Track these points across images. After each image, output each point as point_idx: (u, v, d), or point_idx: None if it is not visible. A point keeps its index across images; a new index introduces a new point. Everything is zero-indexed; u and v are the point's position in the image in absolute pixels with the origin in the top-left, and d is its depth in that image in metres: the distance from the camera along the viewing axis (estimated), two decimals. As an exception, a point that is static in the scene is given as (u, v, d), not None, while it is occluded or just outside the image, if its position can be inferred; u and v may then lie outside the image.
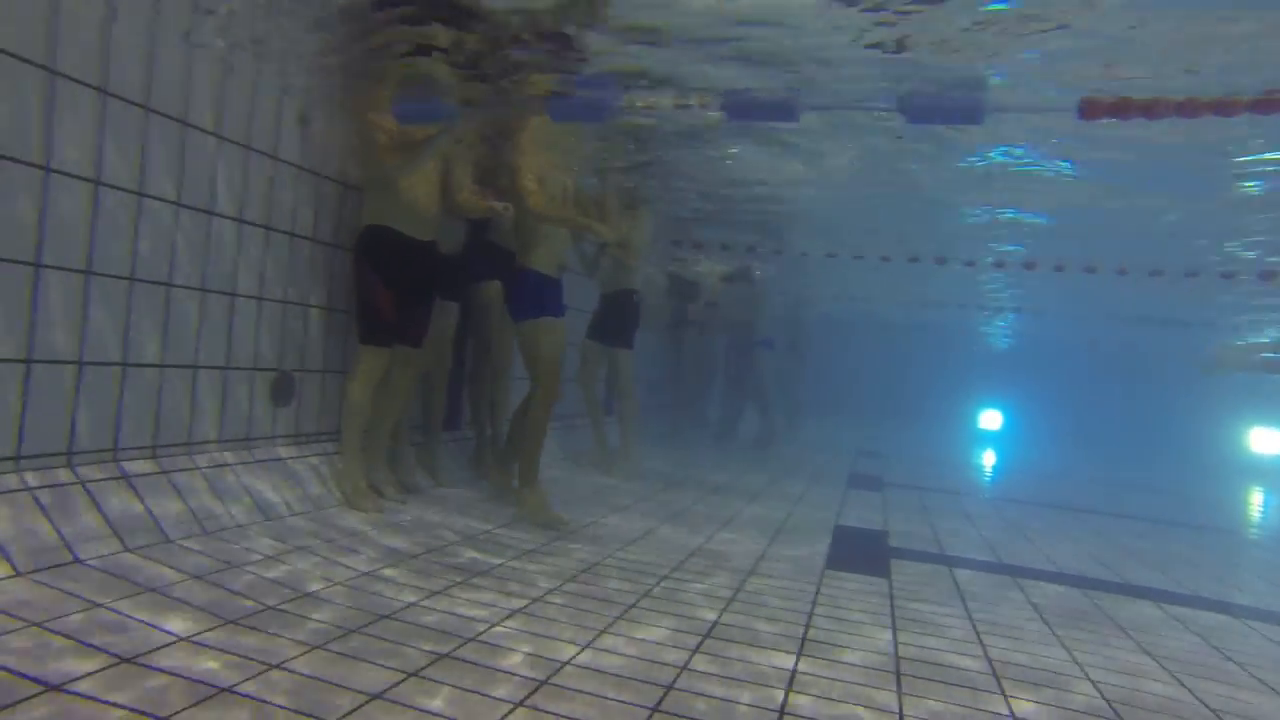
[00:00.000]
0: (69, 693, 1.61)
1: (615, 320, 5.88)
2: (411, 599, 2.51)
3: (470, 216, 4.10)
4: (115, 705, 1.59)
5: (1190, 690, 2.48)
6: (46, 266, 2.49)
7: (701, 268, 8.94)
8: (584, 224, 4.10)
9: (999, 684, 2.35)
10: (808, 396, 11.79)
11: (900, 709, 2.07)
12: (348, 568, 2.76)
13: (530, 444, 3.98)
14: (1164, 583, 4.14)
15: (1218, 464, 13.61)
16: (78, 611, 2.02)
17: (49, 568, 2.25)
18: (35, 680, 1.64)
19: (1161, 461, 12.94)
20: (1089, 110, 2.60)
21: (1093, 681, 2.46)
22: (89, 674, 1.70)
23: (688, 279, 9.00)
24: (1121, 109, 2.54)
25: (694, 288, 9.07)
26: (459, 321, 4.41)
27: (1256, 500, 10.42)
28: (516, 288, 3.99)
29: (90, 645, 1.84)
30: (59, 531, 2.39)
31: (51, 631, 1.88)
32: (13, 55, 2.31)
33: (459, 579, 2.80)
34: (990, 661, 2.54)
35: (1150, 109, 2.52)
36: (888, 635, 2.69)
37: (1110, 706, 2.26)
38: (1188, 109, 2.50)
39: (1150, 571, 4.41)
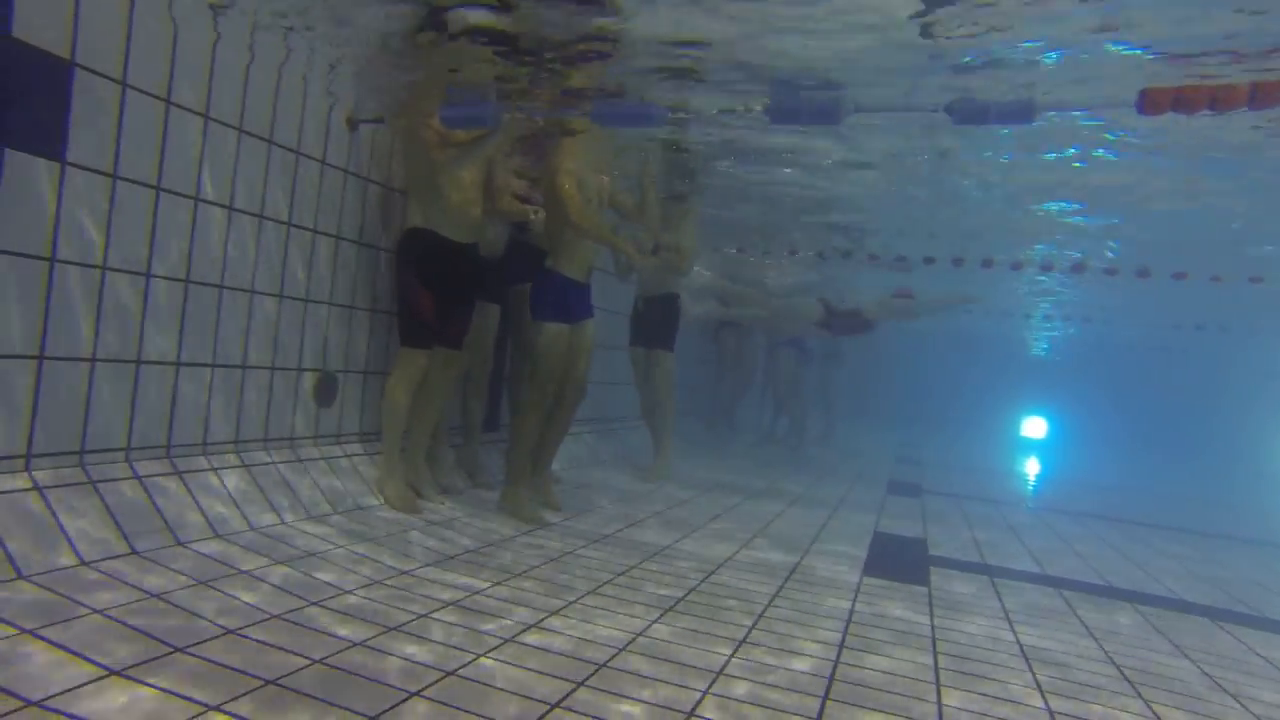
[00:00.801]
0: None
1: (657, 323, 5.87)
2: (430, 598, 2.55)
3: (510, 220, 4.15)
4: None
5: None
6: (111, 269, 2.60)
7: (860, 296, 8.25)
8: (619, 246, 4.12)
9: (1044, 699, 2.29)
10: (847, 401, 11.60)
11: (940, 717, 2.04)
12: (384, 565, 2.81)
13: (515, 443, 4.02)
14: (1223, 600, 3.98)
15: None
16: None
17: (105, 559, 2.35)
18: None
19: (1228, 473, 12.42)
20: (1150, 104, 2.47)
21: (1145, 701, 2.38)
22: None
23: (847, 309, 8.07)
24: (1186, 102, 2.40)
25: (858, 319, 8.03)
26: (499, 323, 4.46)
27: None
28: (538, 288, 4.02)
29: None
30: (118, 525, 2.48)
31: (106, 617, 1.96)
32: (93, 71, 2.42)
33: (491, 580, 2.83)
34: (1035, 677, 2.48)
35: (1218, 100, 2.36)
36: (926, 644, 2.64)
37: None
38: (1261, 99, 2.32)
39: (1204, 588, 4.24)
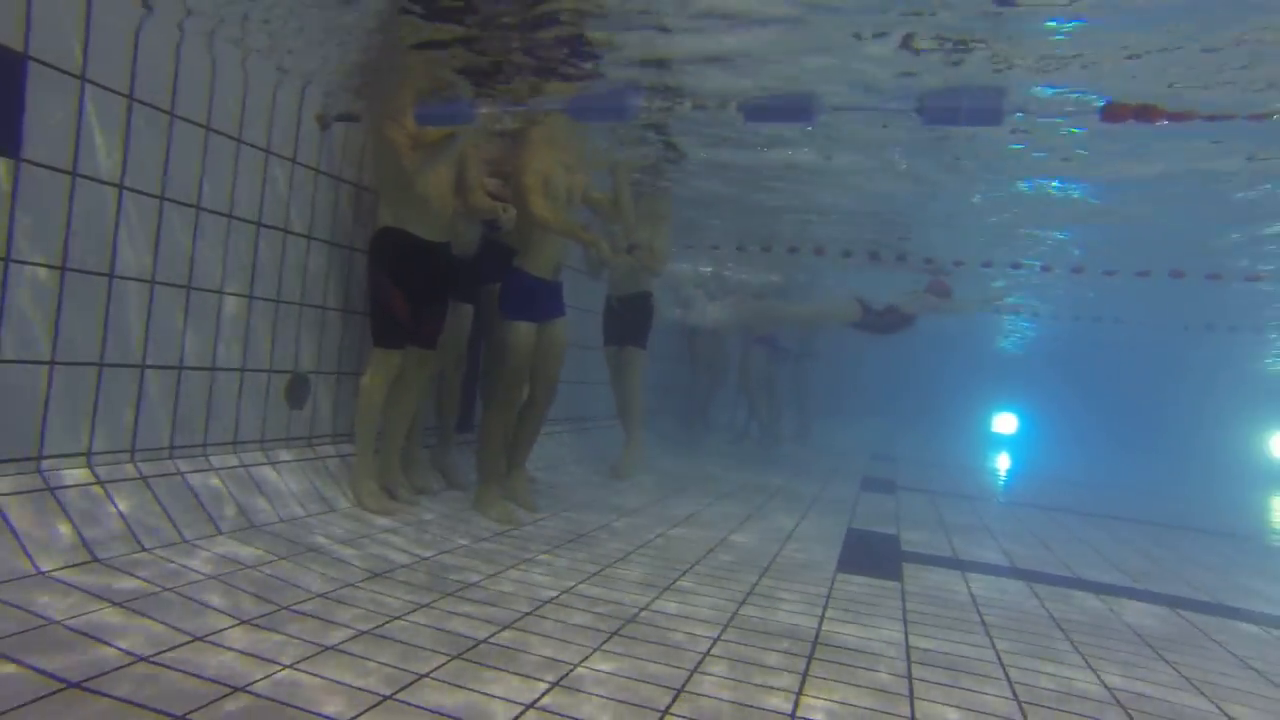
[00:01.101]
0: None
1: (631, 322, 5.89)
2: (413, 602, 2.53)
3: (481, 218, 4.11)
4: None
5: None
6: (72, 270, 2.53)
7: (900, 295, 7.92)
8: (585, 238, 4.03)
9: (1013, 689, 2.33)
10: (820, 399, 11.69)
11: (912, 712, 2.07)
12: (357, 567, 2.78)
13: (484, 442, 4.01)
14: (1183, 590, 4.09)
15: (1239, 469, 13.42)
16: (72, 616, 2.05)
17: (70, 565, 2.29)
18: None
19: (1184, 466, 12.77)
20: (1112, 113, 2.56)
21: (1108, 689, 2.44)
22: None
23: (883, 307, 7.66)
24: (1147, 112, 2.49)
25: (897, 315, 7.61)
26: (472, 323, 4.43)
27: (1278, 506, 10.28)
28: (505, 287, 4.02)
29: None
30: (79, 533, 2.42)
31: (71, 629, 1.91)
32: (49, 65, 2.35)
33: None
34: (1005, 669, 2.53)
35: (1177, 112, 2.46)
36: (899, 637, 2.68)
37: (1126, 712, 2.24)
38: (1217, 113, 2.42)
39: (1167, 578, 4.36)
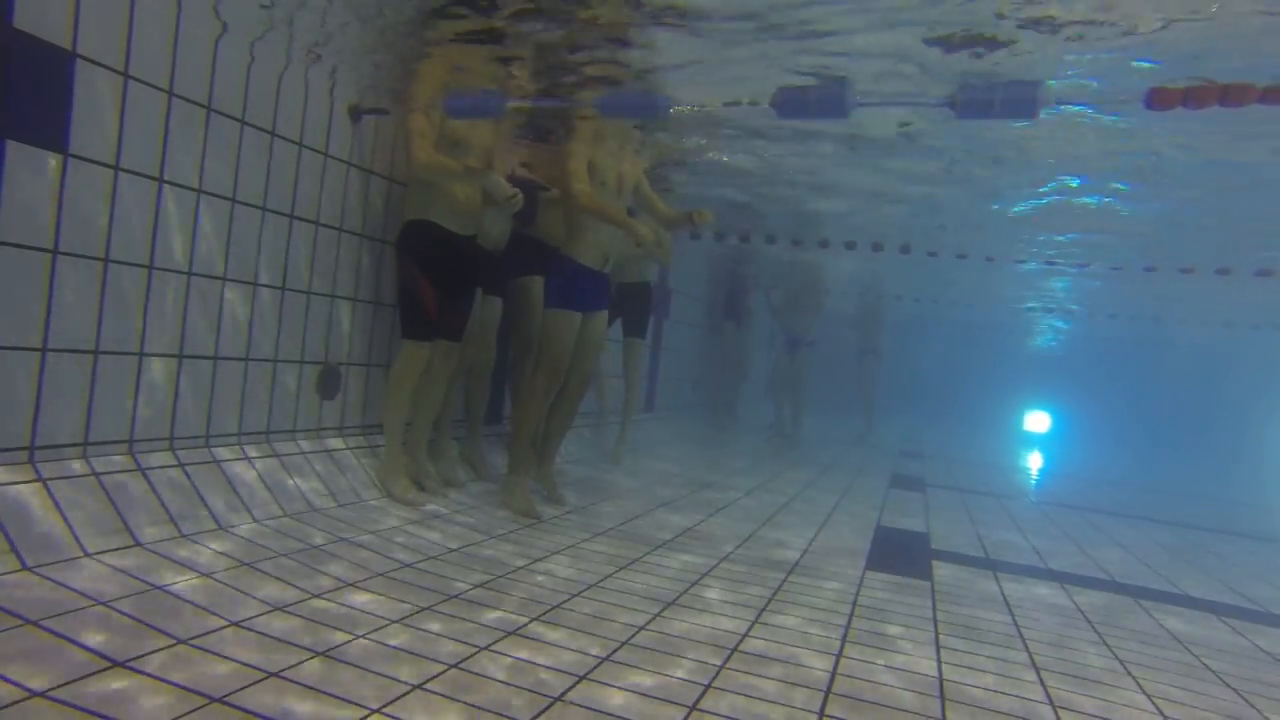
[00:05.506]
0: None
1: (634, 311, 5.94)
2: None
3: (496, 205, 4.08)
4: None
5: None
6: (114, 261, 2.59)
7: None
8: (622, 221, 3.90)
9: (1046, 692, 2.29)
10: (849, 396, 11.47)
11: (943, 713, 2.04)
12: (388, 557, 2.82)
13: (516, 432, 4.00)
14: (1221, 594, 3.98)
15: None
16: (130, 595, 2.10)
17: (109, 550, 2.35)
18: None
19: (1224, 467, 12.39)
20: (1158, 100, 2.46)
21: (1148, 696, 2.38)
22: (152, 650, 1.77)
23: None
24: (1196, 97, 2.38)
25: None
26: (502, 316, 4.45)
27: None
28: (550, 274, 4.01)
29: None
30: (122, 517, 2.49)
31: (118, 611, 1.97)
32: (92, 61, 2.41)
33: (477, 580, 2.83)
34: (1038, 672, 2.48)
35: (1229, 95, 2.34)
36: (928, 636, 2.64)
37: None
38: (1275, 92, 2.29)
39: (1205, 581, 4.23)
